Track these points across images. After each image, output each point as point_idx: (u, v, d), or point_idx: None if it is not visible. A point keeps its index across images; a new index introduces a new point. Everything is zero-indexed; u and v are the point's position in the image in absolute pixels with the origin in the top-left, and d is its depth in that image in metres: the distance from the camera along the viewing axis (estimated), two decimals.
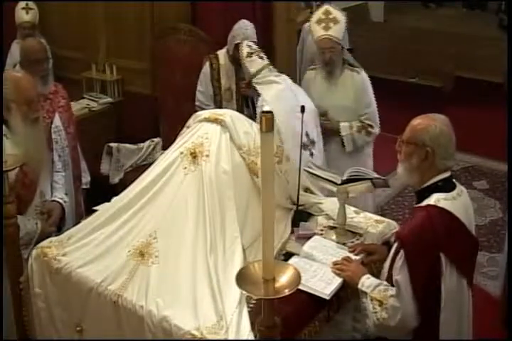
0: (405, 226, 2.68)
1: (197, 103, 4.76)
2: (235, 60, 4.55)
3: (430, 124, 2.57)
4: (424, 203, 2.61)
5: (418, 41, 8.67)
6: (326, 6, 4.36)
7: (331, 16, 4.25)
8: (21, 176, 3.22)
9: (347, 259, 2.88)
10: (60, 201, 3.64)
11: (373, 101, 4.41)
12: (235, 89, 4.63)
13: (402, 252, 2.54)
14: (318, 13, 4.31)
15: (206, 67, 4.69)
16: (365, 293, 2.65)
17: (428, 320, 2.56)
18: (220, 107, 4.58)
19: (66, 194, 3.79)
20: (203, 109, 4.64)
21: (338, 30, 4.25)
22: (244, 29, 4.51)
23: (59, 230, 3.58)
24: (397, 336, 2.66)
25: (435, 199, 2.58)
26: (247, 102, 4.61)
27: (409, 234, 2.58)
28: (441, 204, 2.56)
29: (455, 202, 2.60)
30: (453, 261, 2.54)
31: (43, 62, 4.01)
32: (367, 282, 2.69)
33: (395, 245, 2.66)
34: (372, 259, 2.96)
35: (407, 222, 2.81)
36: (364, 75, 4.40)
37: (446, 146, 2.58)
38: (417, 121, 2.63)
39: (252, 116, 4.31)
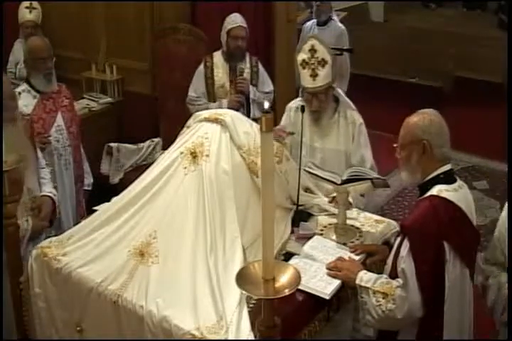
0: (409, 217, 2.70)
1: (187, 99, 4.79)
2: (230, 56, 4.62)
3: (419, 118, 2.64)
4: (427, 194, 2.63)
5: (418, 41, 8.67)
6: None
7: None
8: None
9: (340, 259, 2.88)
10: (50, 195, 3.63)
11: None
12: (228, 86, 4.67)
13: (406, 241, 2.56)
14: None
15: (201, 66, 4.75)
16: (365, 288, 2.65)
17: (432, 310, 2.57)
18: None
19: (55, 188, 3.79)
20: (192, 105, 4.71)
21: None
22: (233, 18, 4.62)
23: (51, 224, 3.58)
24: (402, 327, 2.65)
25: (437, 190, 2.61)
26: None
27: (413, 222, 2.60)
28: (444, 194, 2.59)
29: (457, 193, 2.63)
30: (456, 250, 2.56)
31: (47, 61, 4.05)
32: (365, 277, 2.69)
33: (399, 238, 2.67)
34: (374, 260, 2.97)
35: (410, 213, 2.82)
36: None
37: (440, 134, 2.63)
38: (407, 120, 2.69)
39: (243, 112, 4.34)
